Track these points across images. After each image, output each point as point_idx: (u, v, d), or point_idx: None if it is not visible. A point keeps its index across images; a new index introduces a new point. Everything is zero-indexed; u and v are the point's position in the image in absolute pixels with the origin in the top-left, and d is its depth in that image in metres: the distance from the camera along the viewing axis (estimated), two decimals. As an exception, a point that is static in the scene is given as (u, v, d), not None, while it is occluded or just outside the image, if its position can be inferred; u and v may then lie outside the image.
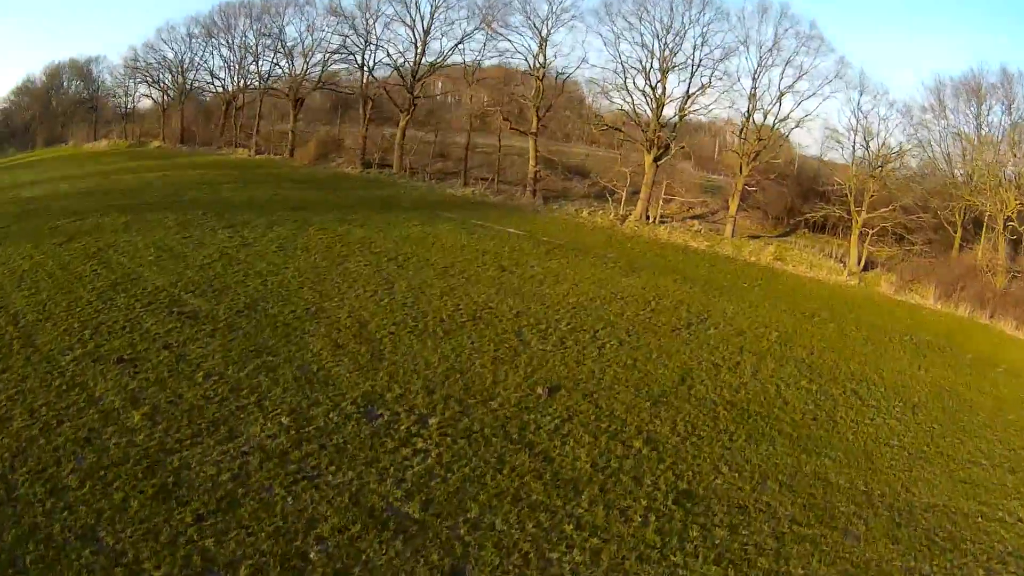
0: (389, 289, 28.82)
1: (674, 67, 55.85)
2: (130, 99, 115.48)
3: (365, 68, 71.88)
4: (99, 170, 62.54)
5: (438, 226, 42.94)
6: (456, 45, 64.62)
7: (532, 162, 59.90)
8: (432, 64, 67.08)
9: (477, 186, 61.43)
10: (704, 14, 55.19)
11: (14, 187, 52.86)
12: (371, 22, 68.32)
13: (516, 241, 41.94)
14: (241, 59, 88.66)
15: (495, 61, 65.43)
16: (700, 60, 55.39)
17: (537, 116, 59.68)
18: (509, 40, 61.39)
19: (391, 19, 67.26)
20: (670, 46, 55.38)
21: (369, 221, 41.87)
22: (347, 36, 69.31)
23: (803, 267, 48.63)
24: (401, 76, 68.17)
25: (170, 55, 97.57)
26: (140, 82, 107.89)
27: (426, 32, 65.91)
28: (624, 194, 56.90)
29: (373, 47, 69.70)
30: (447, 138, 72.00)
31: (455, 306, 27.47)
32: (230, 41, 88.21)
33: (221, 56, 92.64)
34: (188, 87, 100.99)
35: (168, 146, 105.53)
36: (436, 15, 65.25)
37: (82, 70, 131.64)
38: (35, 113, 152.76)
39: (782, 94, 54.59)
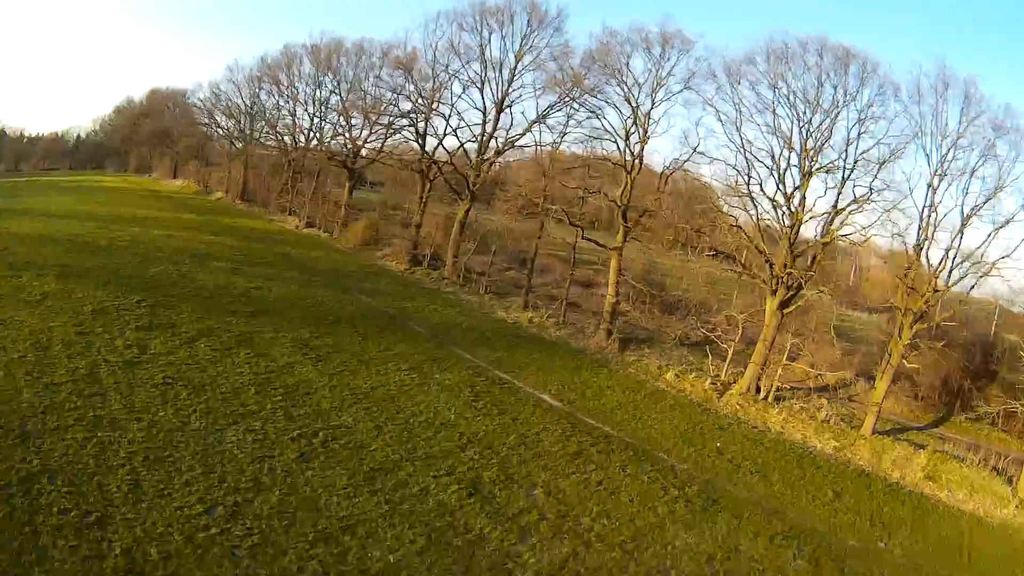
0: (240, 507, 17.63)
1: (821, 168, 41.56)
2: (205, 139, 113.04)
3: (430, 138, 62.63)
4: (124, 214, 64.72)
5: (436, 375, 32.12)
6: (535, 121, 53.86)
7: (611, 289, 47.22)
8: (506, 141, 56.61)
9: (541, 310, 49.56)
10: (864, 88, 40.69)
11: (25, 216, 55.05)
12: (441, 84, 58.96)
13: (539, 422, 29.45)
14: (314, 115, 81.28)
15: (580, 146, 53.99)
16: (856, 159, 40.63)
17: (624, 224, 47.31)
18: (595, 113, 49.67)
19: (468, 83, 57.68)
20: (815, 135, 41.45)
21: (339, 351, 32.47)
22: (407, 96, 60.17)
23: (961, 493, 34.17)
24: (465, 153, 58.43)
25: (237, 99, 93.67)
26: (209, 125, 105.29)
27: (501, 100, 55.80)
28: (732, 348, 43.64)
29: (445, 117, 60.43)
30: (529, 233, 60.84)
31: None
32: (293, 92, 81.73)
33: (287, 109, 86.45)
34: (253, 137, 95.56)
35: (227, 200, 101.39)
36: (516, 76, 55.10)
37: (178, 100, 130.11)
38: (125, 136, 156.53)
39: (968, 216, 38.20)
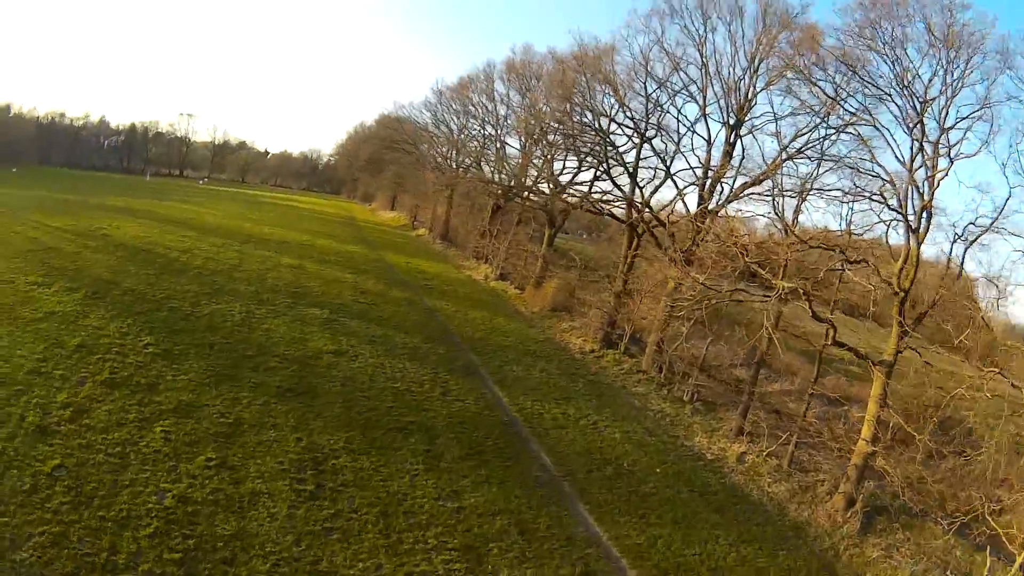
0: None
1: None
2: (410, 169, 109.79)
3: (645, 178, 51.40)
4: (272, 236, 69.01)
5: (504, 571, 20.58)
6: (785, 157, 40.27)
7: (866, 429, 31.48)
8: (740, 186, 43.68)
9: (761, 441, 35.82)
10: None
11: (145, 218, 62.82)
12: (656, 104, 47.76)
13: None
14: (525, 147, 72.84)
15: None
16: None
17: (901, 322, 32.34)
18: (862, 139, 34.45)
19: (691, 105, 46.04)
20: None
21: (364, 486, 22.89)
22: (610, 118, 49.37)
23: None
24: (684, 204, 46.85)
25: (439, 124, 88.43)
26: (411, 153, 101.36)
27: (736, 123, 43.30)
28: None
29: (659, 155, 49.22)
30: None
31: None
32: (497, 118, 73.82)
33: (496, 139, 78.67)
34: (460, 168, 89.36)
35: (428, 239, 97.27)
36: (752, 91, 42.62)
37: (397, 125, 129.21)
38: (348, 162, 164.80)
39: None
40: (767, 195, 40.58)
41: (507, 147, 75.86)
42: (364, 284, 53.91)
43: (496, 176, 78.48)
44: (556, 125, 57.91)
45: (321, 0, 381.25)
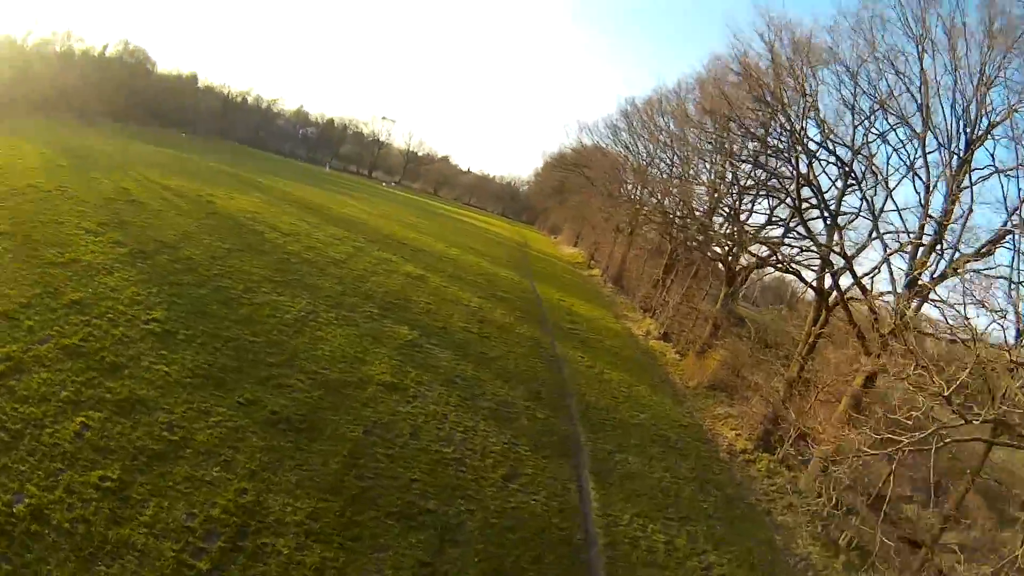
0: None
1: None
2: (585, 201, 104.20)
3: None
4: (415, 241, 66.99)
5: None
6: None
7: None
8: (961, 256, 32.27)
9: None
10: None
11: (265, 194, 64.78)
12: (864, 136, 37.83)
13: None
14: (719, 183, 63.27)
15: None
16: None
17: None
18: None
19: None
20: None
21: None
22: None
23: None
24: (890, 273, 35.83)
25: (619, 147, 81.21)
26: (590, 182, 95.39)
27: (965, 151, 32.19)
28: None
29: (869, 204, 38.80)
30: None
31: None
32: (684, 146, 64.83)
33: (684, 168, 69.36)
34: (640, 202, 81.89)
35: (599, 280, 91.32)
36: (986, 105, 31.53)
37: (590, 153, 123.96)
38: (535, 190, 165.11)
39: None
40: (994, 274, 29.36)
41: (695, 183, 66.56)
42: (489, 312, 47.66)
43: (678, 215, 69.30)
44: (749, 149, 48.56)
45: (527, 14, 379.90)
